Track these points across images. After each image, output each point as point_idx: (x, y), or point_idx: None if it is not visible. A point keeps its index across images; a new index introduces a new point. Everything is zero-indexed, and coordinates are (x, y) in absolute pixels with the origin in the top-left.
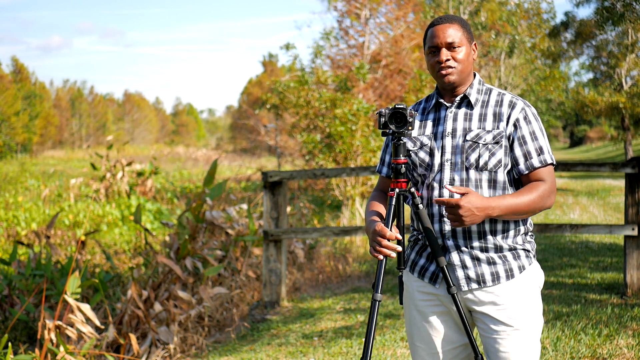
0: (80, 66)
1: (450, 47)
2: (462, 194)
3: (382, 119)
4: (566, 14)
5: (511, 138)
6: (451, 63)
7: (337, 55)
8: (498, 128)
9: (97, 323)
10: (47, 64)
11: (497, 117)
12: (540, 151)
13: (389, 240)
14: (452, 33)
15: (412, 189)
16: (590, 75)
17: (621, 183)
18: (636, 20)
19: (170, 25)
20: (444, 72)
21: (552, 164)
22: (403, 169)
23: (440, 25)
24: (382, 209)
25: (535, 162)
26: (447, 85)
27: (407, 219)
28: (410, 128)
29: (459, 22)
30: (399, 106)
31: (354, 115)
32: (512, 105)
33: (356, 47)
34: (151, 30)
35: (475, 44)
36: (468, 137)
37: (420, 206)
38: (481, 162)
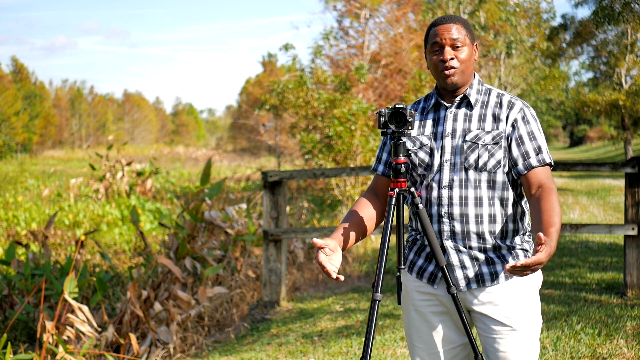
0: (84, 66)
1: (454, 46)
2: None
3: (382, 119)
4: (563, 16)
5: (509, 138)
6: (454, 63)
7: (337, 55)
8: (497, 129)
9: (95, 324)
10: (51, 64)
11: (496, 118)
12: (538, 150)
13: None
14: (456, 32)
15: (412, 189)
16: (590, 75)
17: (621, 183)
18: (634, 19)
19: (173, 25)
20: (447, 72)
21: (550, 163)
22: (403, 169)
23: (444, 25)
24: (362, 212)
25: (534, 161)
26: (449, 87)
27: (406, 219)
28: (410, 128)
29: (462, 22)
30: (399, 106)
31: (353, 115)
32: (510, 106)
33: (356, 47)
34: (156, 31)
35: (476, 45)
36: (467, 138)
37: (420, 206)
38: (480, 163)
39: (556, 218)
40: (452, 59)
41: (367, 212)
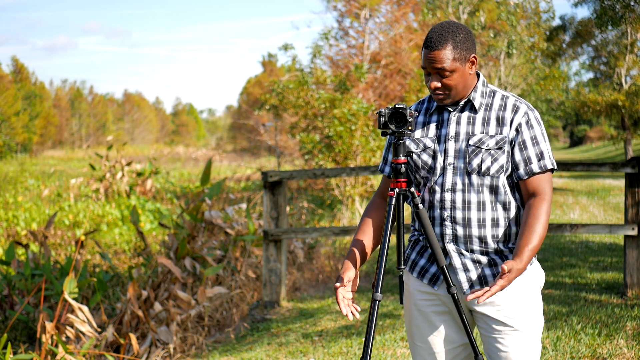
0: (85, 66)
1: (441, 73)
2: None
3: (382, 119)
4: (562, 17)
5: (513, 142)
6: (440, 91)
7: (337, 55)
8: (501, 133)
9: (94, 325)
10: (51, 64)
11: (501, 122)
12: (540, 156)
13: (344, 297)
14: (442, 59)
15: (412, 189)
16: (590, 75)
17: (621, 183)
18: (635, 20)
19: (174, 25)
20: (435, 97)
21: (552, 169)
22: (403, 169)
23: (430, 52)
24: (368, 236)
25: (535, 167)
26: (442, 105)
27: (407, 219)
28: (410, 128)
29: (451, 43)
30: (399, 106)
31: (353, 115)
32: (515, 110)
33: (356, 47)
34: (157, 31)
35: (474, 56)
36: (471, 142)
37: (420, 206)
38: (483, 168)
39: (534, 235)
40: (437, 87)
41: (379, 220)
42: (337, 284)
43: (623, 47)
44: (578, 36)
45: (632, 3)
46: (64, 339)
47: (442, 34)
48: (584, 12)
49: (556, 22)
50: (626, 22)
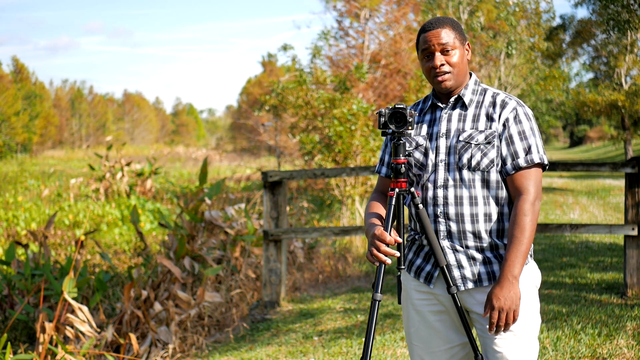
0: (86, 66)
1: (444, 51)
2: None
3: (382, 119)
4: (562, 17)
5: (501, 137)
6: (446, 68)
7: (337, 55)
8: (490, 128)
9: (94, 325)
10: (53, 64)
11: (490, 117)
12: (528, 150)
13: (388, 245)
14: (445, 36)
15: (412, 189)
16: (591, 76)
17: (621, 183)
18: (633, 20)
19: (176, 25)
20: (439, 78)
21: (540, 163)
22: (403, 169)
23: (432, 30)
24: (382, 211)
25: (522, 162)
26: (444, 91)
27: (405, 219)
28: (410, 128)
29: (450, 24)
30: (399, 106)
31: (353, 115)
32: (503, 105)
33: (356, 47)
34: (157, 31)
35: (468, 44)
36: (461, 138)
37: (420, 206)
38: (473, 162)
39: (520, 244)
40: (442, 64)
41: (382, 210)
42: (376, 232)
43: (623, 47)
44: (578, 36)
45: (633, 6)
46: (63, 339)
47: (439, 19)
48: (583, 12)
49: (557, 22)
50: (631, 26)
